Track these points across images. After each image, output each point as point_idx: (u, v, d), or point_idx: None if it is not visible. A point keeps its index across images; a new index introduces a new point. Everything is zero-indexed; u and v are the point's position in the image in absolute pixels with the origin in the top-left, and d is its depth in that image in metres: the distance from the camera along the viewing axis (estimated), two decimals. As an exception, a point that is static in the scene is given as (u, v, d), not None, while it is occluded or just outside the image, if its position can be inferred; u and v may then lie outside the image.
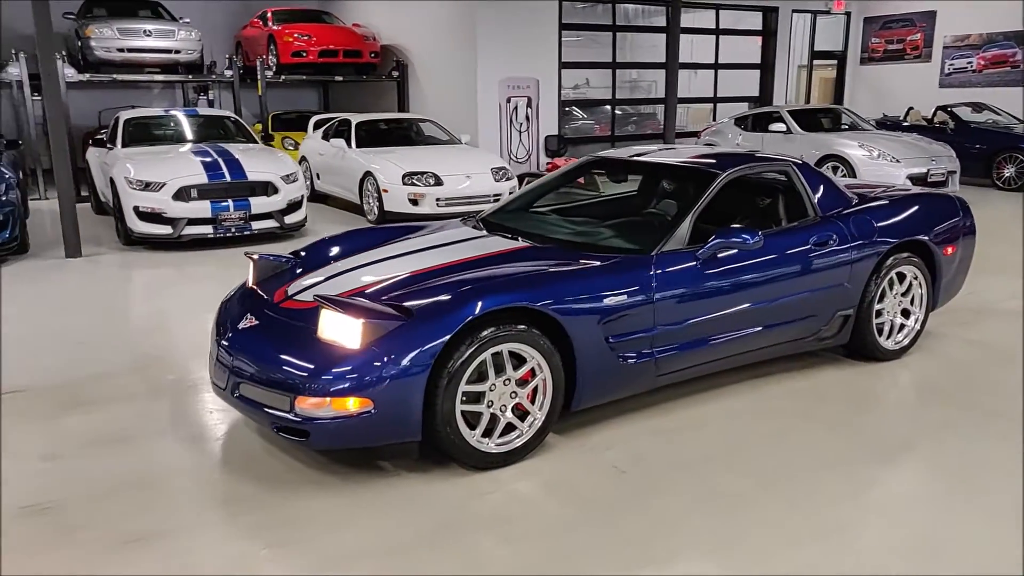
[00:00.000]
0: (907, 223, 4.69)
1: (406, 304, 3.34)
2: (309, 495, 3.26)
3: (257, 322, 3.64)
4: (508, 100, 13.42)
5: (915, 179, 10.29)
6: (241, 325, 3.67)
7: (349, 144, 10.66)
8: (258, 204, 8.42)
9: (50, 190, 12.27)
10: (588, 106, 15.87)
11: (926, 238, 4.72)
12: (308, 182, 12.07)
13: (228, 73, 13.85)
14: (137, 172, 8.21)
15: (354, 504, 3.20)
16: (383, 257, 4.07)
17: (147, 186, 8.09)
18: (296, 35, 14.11)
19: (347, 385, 3.12)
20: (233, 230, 8.31)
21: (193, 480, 3.42)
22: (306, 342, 3.34)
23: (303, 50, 14.07)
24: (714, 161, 4.49)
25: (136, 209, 8.10)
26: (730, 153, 4.75)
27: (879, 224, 4.56)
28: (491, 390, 3.37)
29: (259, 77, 13.99)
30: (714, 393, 4.27)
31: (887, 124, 13.71)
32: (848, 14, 17.32)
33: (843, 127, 12.24)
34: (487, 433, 3.41)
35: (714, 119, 15.69)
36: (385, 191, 9.57)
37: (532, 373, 3.48)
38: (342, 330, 3.24)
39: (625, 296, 3.66)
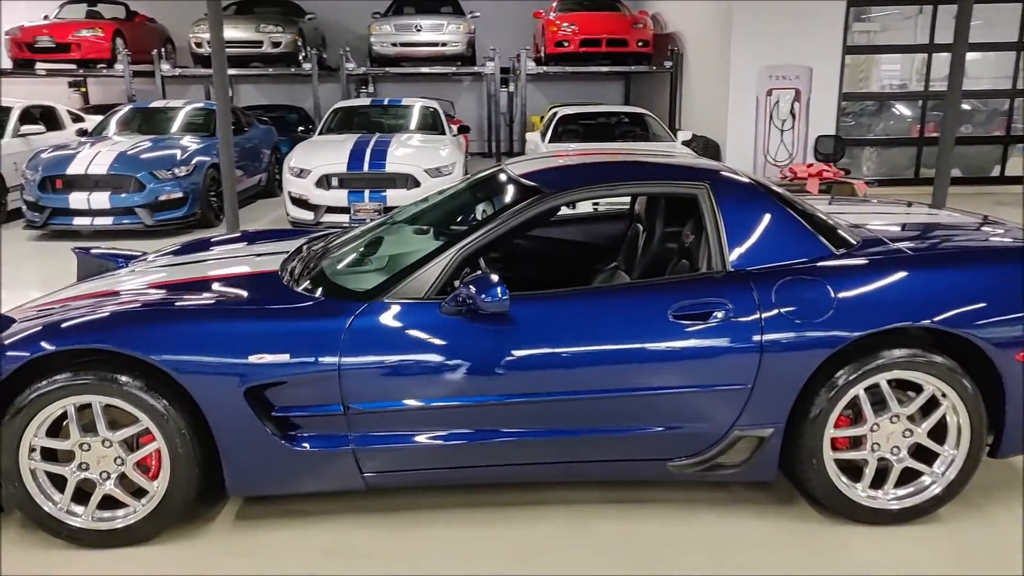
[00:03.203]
0: (921, 297, 2.69)
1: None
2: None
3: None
4: (768, 93, 11.43)
5: None
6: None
7: (543, 138, 10.00)
8: (393, 197, 8.21)
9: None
10: (903, 99, 12.86)
11: (969, 331, 2.67)
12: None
13: (490, 65, 13.97)
14: (296, 160, 8.57)
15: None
16: (167, 265, 3.54)
17: (300, 173, 8.40)
18: (561, 24, 13.67)
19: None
20: (368, 221, 8.23)
21: None
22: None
23: (566, 39, 13.58)
24: (562, 177, 3.03)
25: (290, 194, 8.47)
26: (624, 163, 3.19)
27: (846, 294, 2.68)
28: (83, 450, 2.64)
29: (521, 68, 13.88)
30: (490, 516, 2.92)
31: None
32: None
33: None
34: (85, 501, 2.70)
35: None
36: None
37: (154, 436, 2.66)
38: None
39: (288, 355, 2.61)
